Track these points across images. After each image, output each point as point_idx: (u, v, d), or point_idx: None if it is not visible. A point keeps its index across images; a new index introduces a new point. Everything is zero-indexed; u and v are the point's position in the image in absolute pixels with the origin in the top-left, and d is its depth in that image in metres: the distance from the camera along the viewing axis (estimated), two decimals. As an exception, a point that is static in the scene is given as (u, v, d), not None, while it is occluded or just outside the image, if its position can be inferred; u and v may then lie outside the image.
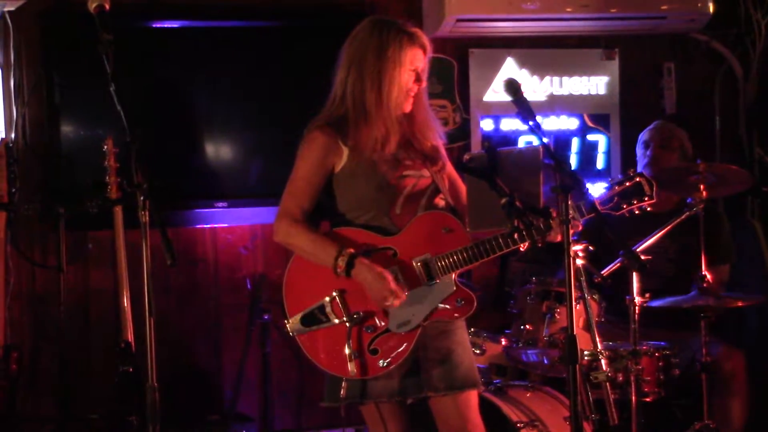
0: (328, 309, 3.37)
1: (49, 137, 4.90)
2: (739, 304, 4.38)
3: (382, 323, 3.36)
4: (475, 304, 3.36)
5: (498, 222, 3.13)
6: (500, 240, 3.30)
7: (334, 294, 3.37)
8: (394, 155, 3.43)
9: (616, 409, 4.05)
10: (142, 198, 2.92)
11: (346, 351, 3.33)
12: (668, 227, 4.30)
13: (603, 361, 3.99)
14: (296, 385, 5.28)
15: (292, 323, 3.41)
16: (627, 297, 4.05)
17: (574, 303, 2.99)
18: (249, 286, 5.12)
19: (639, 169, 4.99)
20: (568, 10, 5.25)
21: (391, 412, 3.46)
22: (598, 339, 4.03)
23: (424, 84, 3.46)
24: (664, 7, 5.37)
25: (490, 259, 3.34)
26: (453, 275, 3.35)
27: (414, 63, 3.40)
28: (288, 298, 3.44)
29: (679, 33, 5.73)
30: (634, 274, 4.01)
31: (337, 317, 3.37)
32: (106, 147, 4.45)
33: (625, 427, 4.05)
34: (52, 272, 4.74)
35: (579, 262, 3.97)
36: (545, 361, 4.29)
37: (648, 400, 4.19)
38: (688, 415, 4.43)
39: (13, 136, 4.85)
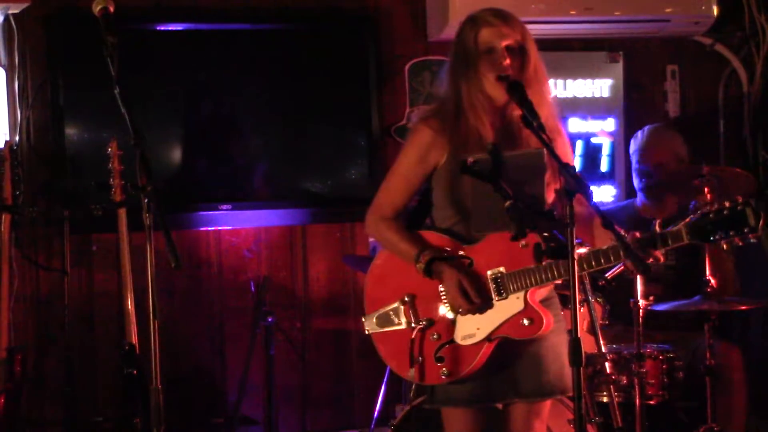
0: (399, 312, 3.34)
1: (53, 140, 4.90)
2: (743, 307, 4.37)
3: (448, 333, 3.28)
4: (543, 325, 3.19)
5: (502, 225, 3.11)
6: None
7: (406, 298, 3.32)
8: None
9: (620, 412, 4.06)
10: (146, 200, 2.92)
11: (410, 355, 3.28)
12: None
13: (607, 364, 3.99)
14: (300, 388, 5.27)
15: (368, 322, 3.39)
16: (631, 300, 4.05)
17: (578, 306, 2.98)
18: (253, 289, 5.12)
19: (633, 178, 4.97)
20: (572, 13, 5.25)
21: (481, 416, 3.38)
22: (602, 342, 4.04)
23: (507, 60, 3.23)
24: (668, 10, 5.36)
25: (562, 281, 3.21)
26: (523, 293, 3.20)
27: (484, 45, 3.26)
28: (367, 297, 3.42)
29: (683, 36, 5.72)
30: (638, 277, 4.01)
31: (406, 321, 3.33)
32: (110, 149, 4.44)
33: (629, 430, 4.05)
34: (56, 275, 4.74)
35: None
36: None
37: (652, 402, 4.18)
38: (693, 418, 4.42)
39: (17, 138, 4.85)
